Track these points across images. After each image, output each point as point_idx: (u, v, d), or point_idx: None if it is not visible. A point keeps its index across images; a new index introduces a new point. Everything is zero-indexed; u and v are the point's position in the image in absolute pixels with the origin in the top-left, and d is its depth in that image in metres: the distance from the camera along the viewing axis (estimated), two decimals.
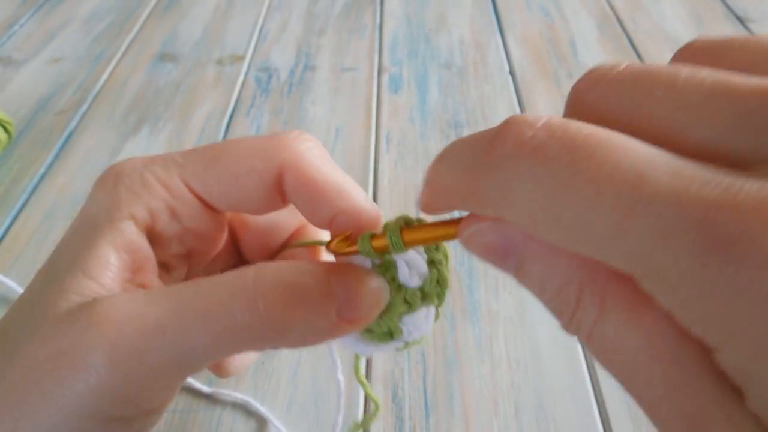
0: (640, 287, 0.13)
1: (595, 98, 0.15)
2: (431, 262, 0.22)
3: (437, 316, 0.23)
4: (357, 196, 0.22)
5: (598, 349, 0.15)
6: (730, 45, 0.15)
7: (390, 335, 0.23)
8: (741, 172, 0.12)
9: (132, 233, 0.22)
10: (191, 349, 0.19)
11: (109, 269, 0.21)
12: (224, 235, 0.26)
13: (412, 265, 0.22)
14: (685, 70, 0.14)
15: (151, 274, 0.23)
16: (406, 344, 0.23)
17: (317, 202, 0.22)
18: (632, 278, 0.13)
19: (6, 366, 0.19)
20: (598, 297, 0.15)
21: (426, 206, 0.19)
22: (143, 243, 0.22)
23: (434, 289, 0.22)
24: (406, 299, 0.22)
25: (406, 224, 0.21)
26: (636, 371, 0.14)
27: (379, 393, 0.39)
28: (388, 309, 0.22)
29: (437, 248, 0.22)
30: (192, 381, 0.39)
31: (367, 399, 0.39)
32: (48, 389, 0.18)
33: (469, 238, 0.17)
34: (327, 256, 0.26)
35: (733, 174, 0.12)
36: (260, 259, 0.28)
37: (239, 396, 0.39)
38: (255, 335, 0.19)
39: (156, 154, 0.24)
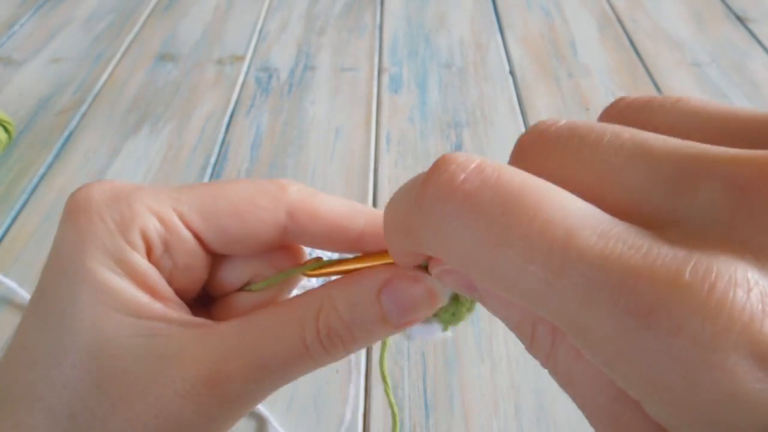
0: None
1: (535, 152, 0.16)
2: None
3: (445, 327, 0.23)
4: (370, 212, 0.23)
5: (554, 373, 0.16)
6: (652, 106, 0.16)
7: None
8: (661, 232, 0.12)
9: (136, 260, 0.20)
10: (273, 387, 0.20)
11: (140, 302, 0.20)
12: (202, 283, 0.24)
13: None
14: (610, 131, 0.14)
15: (171, 295, 0.22)
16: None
17: (338, 229, 0.22)
18: None
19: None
20: (549, 333, 0.16)
21: (393, 254, 0.19)
22: (148, 268, 0.21)
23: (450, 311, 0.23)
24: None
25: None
26: (586, 398, 0.15)
27: (378, 393, 0.39)
28: None
29: None
30: None
31: (367, 396, 0.39)
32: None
33: (437, 274, 0.19)
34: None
35: (653, 236, 0.12)
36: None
37: None
38: (325, 364, 0.21)
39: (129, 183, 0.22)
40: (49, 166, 0.57)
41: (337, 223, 0.22)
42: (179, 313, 0.21)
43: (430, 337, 0.23)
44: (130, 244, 0.20)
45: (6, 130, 0.58)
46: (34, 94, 0.67)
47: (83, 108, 0.65)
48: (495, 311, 0.18)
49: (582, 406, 0.16)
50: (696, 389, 0.11)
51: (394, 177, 0.56)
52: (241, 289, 0.24)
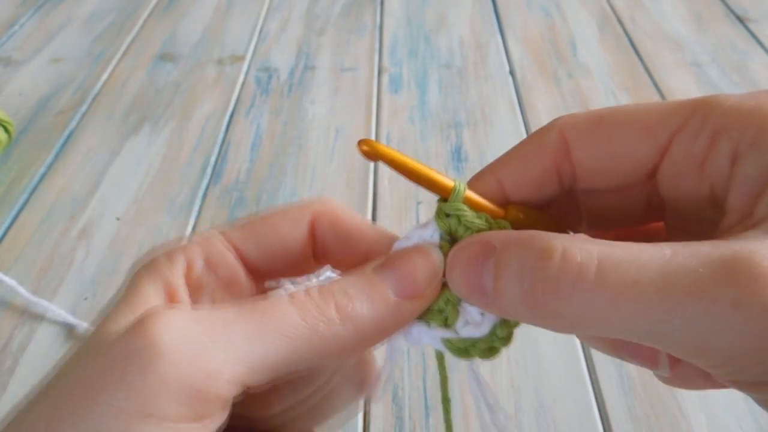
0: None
1: None
2: None
3: (496, 349, 0.23)
4: (381, 229, 0.24)
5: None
6: None
7: (444, 318, 0.22)
8: None
9: (171, 277, 0.22)
10: (255, 351, 0.19)
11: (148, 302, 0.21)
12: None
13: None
14: None
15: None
16: (459, 347, 0.23)
17: (353, 238, 0.24)
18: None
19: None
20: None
21: (459, 287, 0.21)
22: (180, 286, 0.22)
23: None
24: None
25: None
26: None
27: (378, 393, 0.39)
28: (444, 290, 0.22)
29: None
30: None
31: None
32: (114, 396, 0.18)
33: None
34: None
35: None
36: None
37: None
38: (319, 332, 0.20)
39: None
40: (49, 166, 0.57)
41: (354, 230, 0.24)
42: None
43: (430, 341, 0.23)
44: (171, 264, 0.22)
45: (6, 130, 0.58)
46: (34, 94, 0.67)
47: (83, 108, 0.65)
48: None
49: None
50: None
51: (394, 177, 0.56)
52: None
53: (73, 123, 0.63)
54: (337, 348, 0.20)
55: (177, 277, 0.22)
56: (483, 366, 0.41)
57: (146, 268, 0.22)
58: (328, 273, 0.25)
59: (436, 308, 0.22)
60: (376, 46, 0.74)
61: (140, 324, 0.19)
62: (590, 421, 0.38)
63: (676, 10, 0.81)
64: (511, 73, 0.69)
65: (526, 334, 0.42)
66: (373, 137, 0.60)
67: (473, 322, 0.22)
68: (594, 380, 0.40)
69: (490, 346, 0.23)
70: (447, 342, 0.22)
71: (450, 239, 0.22)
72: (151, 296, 0.21)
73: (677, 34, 0.76)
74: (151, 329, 0.18)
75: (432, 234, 0.22)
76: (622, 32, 0.76)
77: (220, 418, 0.19)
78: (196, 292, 0.23)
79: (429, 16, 0.80)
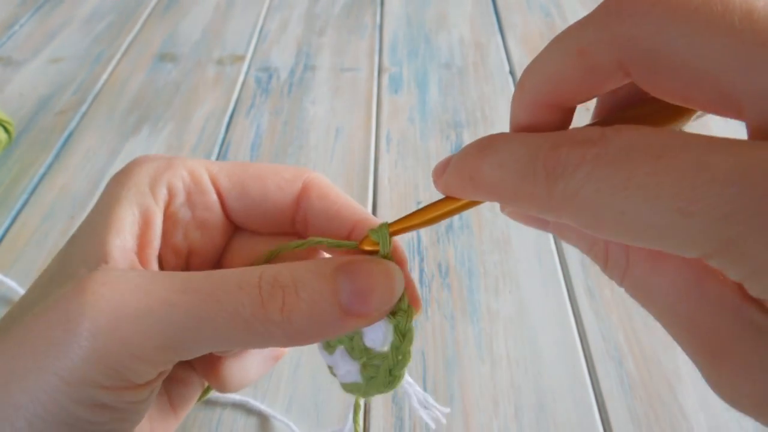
0: (707, 264, 0.14)
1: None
2: (396, 329, 0.22)
3: (394, 379, 0.23)
4: (364, 211, 0.25)
5: (631, 291, 0.18)
6: None
7: (350, 338, 0.23)
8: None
9: (150, 206, 0.22)
10: (192, 329, 0.19)
11: (118, 235, 0.21)
12: (218, 253, 0.25)
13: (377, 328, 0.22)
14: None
15: (153, 250, 0.22)
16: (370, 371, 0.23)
17: (340, 213, 0.24)
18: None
19: (4, 335, 0.19)
20: (623, 253, 0.17)
21: (452, 190, 0.19)
22: (157, 217, 0.22)
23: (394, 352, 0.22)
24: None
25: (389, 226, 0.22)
26: (665, 309, 0.16)
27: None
28: None
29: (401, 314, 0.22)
30: None
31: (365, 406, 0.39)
32: (40, 353, 0.18)
33: (511, 213, 0.20)
34: None
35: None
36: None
37: (238, 397, 0.39)
38: (258, 327, 0.19)
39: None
40: (49, 166, 0.57)
41: (341, 208, 0.24)
42: (137, 263, 0.22)
43: (344, 376, 0.23)
44: (152, 192, 0.22)
45: (6, 130, 0.58)
46: (34, 94, 0.67)
47: (83, 108, 0.65)
48: (568, 240, 0.20)
49: (660, 317, 0.17)
50: None
51: (394, 177, 0.56)
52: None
53: (73, 123, 0.63)
54: (264, 342, 0.20)
55: (157, 207, 0.22)
56: (483, 366, 0.41)
57: (128, 187, 0.22)
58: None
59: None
60: (376, 46, 0.74)
61: (77, 291, 0.19)
62: (590, 421, 0.38)
63: None
64: (511, 73, 0.69)
65: (526, 333, 0.42)
66: (373, 137, 0.60)
67: (375, 340, 0.23)
68: (594, 380, 0.40)
69: (394, 364, 0.22)
70: (363, 371, 0.23)
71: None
72: (126, 221, 0.21)
73: None
74: (85, 298, 0.18)
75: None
76: None
77: (150, 386, 0.20)
78: (171, 226, 0.23)
79: (429, 16, 0.80)
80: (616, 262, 0.18)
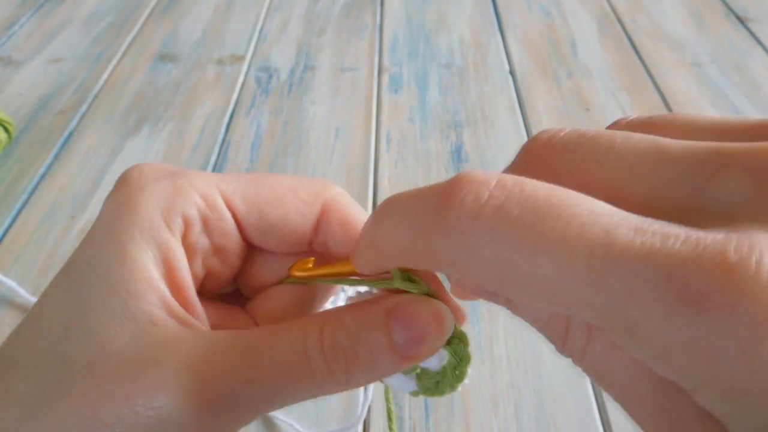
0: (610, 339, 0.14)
1: (545, 155, 0.16)
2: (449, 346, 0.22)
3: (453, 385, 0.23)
4: None
5: (590, 370, 0.16)
6: (652, 121, 0.17)
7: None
8: (689, 223, 0.12)
9: (170, 243, 0.20)
10: (268, 402, 0.19)
11: (151, 287, 0.19)
12: (235, 274, 0.25)
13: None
14: (620, 134, 0.15)
15: (188, 291, 0.21)
16: (428, 385, 0.23)
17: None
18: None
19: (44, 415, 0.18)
20: (583, 330, 0.16)
21: (364, 266, 0.19)
22: (180, 254, 0.21)
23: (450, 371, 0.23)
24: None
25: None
26: (626, 390, 0.15)
27: (379, 393, 0.39)
28: None
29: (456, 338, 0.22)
30: None
31: (366, 397, 0.39)
32: None
33: (456, 286, 0.19)
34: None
35: (685, 226, 0.12)
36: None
37: None
38: (325, 390, 0.19)
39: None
40: (49, 166, 0.57)
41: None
42: (184, 312, 0.21)
43: (401, 389, 0.23)
44: (168, 225, 0.20)
45: (6, 130, 0.58)
46: (34, 94, 0.67)
47: (83, 108, 0.65)
48: (526, 311, 0.18)
49: (621, 399, 0.16)
50: (754, 370, 0.11)
51: (394, 177, 0.56)
52: (280, 283, 0.24)
53: (73, 123, 0.63)
54: (324, 392, 0.20)
55: (176, 242, 0.21)
56: (483, 366, 0.41)
57: (139, 223, 0.20)
58: (364, 288, 0.23)
59: None
60: (376, 46, 0.74)
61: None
62: (590, 421, 0.38)
63: (676, 11, 0.81)
64: (511, 73, 0.69)
65: (526, 333, 0.42)
66: (373, 137, 0.60)
67: (430, 364, 0.22)
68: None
69: (453, 372, 0.22)
70: (419, 382, 0.23)
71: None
72: (147, 268, 0.20)
73: (677, 34, 0.76)
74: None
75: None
76: (622, 32, 0.76)
77: None
78: (189, 256, 0.22)
79: (429, 16, 0.80)
80: (575, 341, 0.16)
